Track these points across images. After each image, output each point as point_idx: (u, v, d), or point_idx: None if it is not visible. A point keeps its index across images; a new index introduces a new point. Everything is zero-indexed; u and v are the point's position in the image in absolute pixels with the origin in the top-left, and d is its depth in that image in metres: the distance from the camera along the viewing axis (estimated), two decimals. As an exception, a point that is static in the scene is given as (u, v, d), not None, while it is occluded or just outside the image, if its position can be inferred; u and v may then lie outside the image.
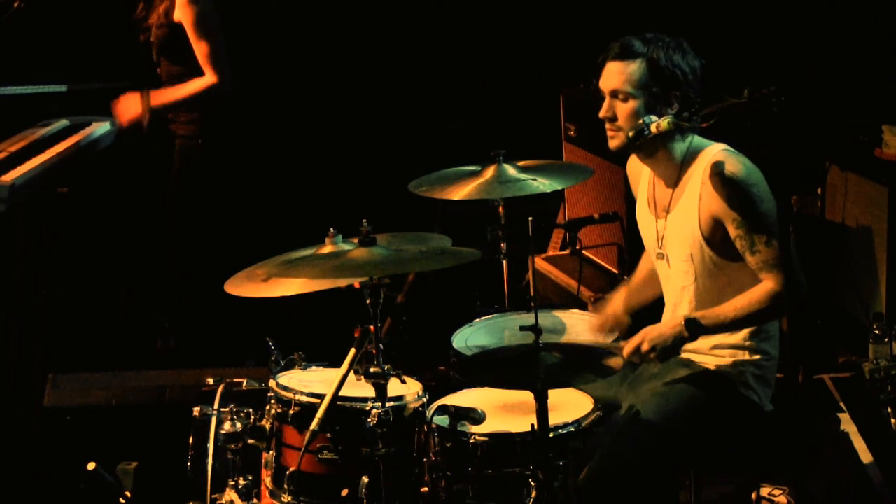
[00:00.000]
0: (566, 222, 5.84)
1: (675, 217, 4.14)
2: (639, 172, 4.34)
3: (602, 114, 4.12)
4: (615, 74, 4.09)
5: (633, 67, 4.06)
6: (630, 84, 4.06)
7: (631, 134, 4.02)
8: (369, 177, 6.72)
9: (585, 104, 4.33)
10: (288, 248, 4.16)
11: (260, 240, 5.29)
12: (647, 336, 4.03)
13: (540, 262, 5.96)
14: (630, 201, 4.46)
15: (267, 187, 6.50)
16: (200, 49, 5.62)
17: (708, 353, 4.14)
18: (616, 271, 5.64)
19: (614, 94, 4.10)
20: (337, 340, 4.09)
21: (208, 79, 5.64)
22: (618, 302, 4.44)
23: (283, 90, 6.81)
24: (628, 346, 4.03)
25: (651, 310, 4.38)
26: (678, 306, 4.18)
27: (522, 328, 3.83)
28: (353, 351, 3.89)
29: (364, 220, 3.92)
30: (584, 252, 5.70)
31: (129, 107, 5.76)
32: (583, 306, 5.11)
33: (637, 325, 4.20)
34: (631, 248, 5.38)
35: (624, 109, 4.09)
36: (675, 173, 4.14)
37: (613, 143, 4.15)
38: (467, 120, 6.92)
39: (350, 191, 6.68)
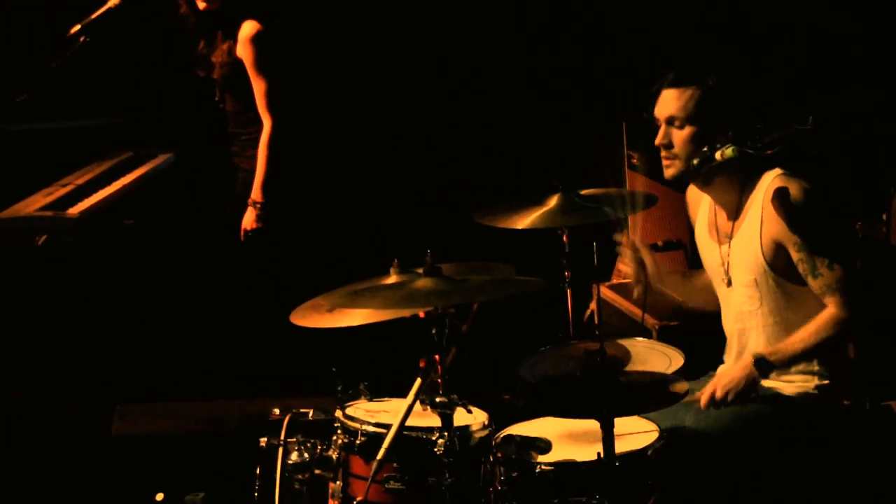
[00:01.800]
0: (630, 250, 5.80)
1: (738, 243, 4.13)
2: (698, 199, 4.34)
3: (658, 141, 4.13)
4: (671, 101, 4.09)
5: (689, 94, 4.07)
6: (686, 110, 4.06)
7: (695, 162, 4.01)
8: (433, 207, 6.74)
9: (648, 131, 4.34)
10: (352, 279, 4.18)
11: (324, 271, 5.31)
12: (720, 383, 4.04)
13: (604, 290, 5.93)
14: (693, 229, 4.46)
15: (331, 218, 6.53)
16: (258, 88, 5.68)
17: (775, 378, 4.12)
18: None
19: (670, 122, 4.10)
20: (402, 370, 4.09)
21: (267, 126, 5.69)
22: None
23: (345, 122, 6.85)
24: (704, 397, 4.04)
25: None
26: (744, 332, 4.16)
27: (588, 356, 3.82)
28: (418, 381, 3.90)
29: (428, 250, 3.94)
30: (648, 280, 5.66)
31: (249, 220, 5.82)
32: (647, 334, 5.08)
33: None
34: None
35: (680, 136, 4.09)
36: (735, 199, 4.14)
37: (669, 172, 4.15)
38: (526, 148, 6.91)
39: (414, 221, 6.69)
